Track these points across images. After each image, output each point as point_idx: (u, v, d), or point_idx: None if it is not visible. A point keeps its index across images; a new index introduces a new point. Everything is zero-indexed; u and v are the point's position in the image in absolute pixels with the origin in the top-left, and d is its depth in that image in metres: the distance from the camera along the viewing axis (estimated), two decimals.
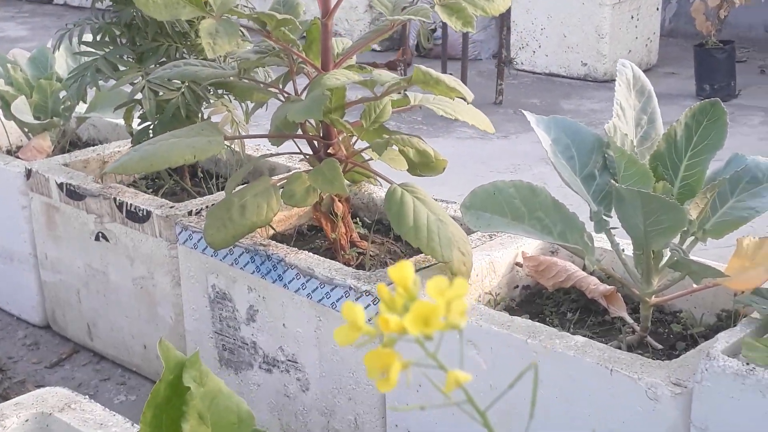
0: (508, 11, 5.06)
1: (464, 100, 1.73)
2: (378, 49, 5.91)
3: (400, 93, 2.02)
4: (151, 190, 2.43)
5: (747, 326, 1.47)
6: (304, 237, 2.20)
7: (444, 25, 4.92)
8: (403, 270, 0.66)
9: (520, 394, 1.58)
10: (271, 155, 2.12)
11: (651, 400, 1.43)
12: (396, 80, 1.72)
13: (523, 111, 1.71)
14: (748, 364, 1.35)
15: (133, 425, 1.33)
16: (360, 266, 1.97)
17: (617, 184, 1.52)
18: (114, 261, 2.23)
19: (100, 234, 2.23)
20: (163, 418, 1.12)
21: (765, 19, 5.85)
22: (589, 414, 1.51)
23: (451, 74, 1.89)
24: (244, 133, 2.21)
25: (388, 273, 0.67)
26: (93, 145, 2.70)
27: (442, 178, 2.36)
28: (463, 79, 4.57)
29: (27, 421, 1.34)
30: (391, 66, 5.36)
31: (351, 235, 2.04)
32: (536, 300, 1.94)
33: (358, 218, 2.21)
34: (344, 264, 1.96)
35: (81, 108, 2.69)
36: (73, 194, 2.26)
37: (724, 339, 1.43)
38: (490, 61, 5.63)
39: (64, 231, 2.32)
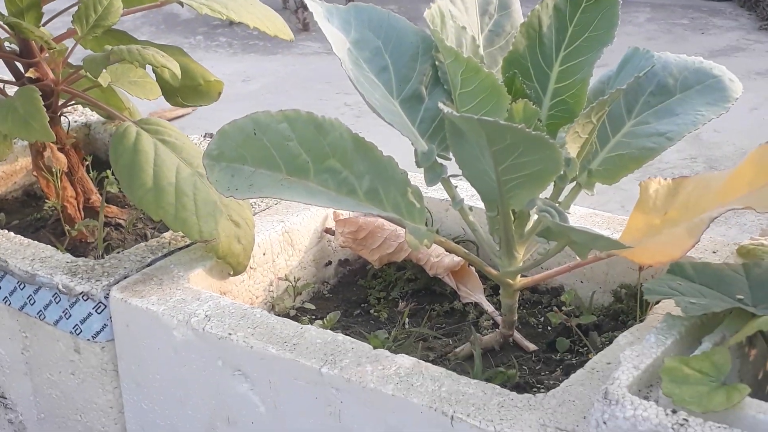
0: None
1: None
2: None
3: None
4: None
5: (665, 332, 0.90)
6: (37, 200, 1.54)
7: None
8: None
9: None
10: None
11: None
12: None
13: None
14: (674, 412, 0.78)
15: None
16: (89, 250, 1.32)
17: (448, 110, 0.91)
18: None
19: None
20: None
21: None
22: None
23: None
24: None
25: None
26: None
27: (279, 104, 1.75)
28: None
29: None
30: None
31: (89, 199, 1.39)
32: (359, 280, 1.34)
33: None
34: (72, 244, 1.33)
35: None
36: None
37: (630, 362, 0.85)
38: None
39: None
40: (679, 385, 0.80)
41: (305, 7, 3.92)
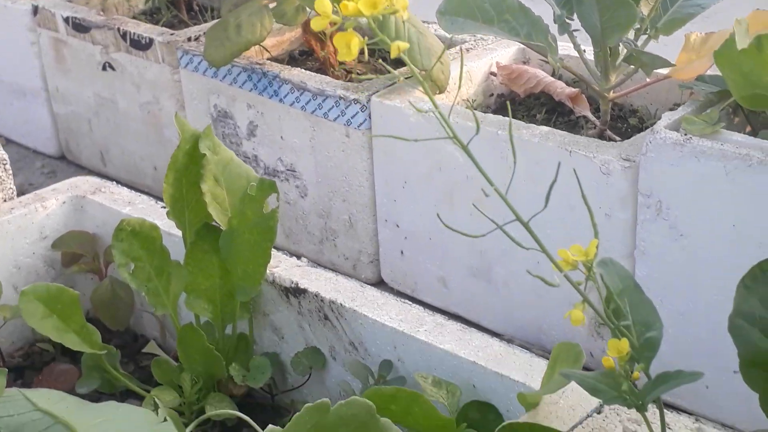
0: None
1: None
2: None
3: None
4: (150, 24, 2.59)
5: (689, 106, 1.66)
6: (296, 60, 2.37)
7: None
8: None
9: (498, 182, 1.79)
10: None
11: (604, 174, 1.65)
12: None
13: None
14: (686, 134, 1.55)
15: (156, 202, 1.55)
16: (349, 81, 2.15)
17: None
18: (121, 89, 2.40)
19: (107, 63, 2.40)
20: (183, 180, 1.33)
21: None
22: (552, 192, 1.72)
23: None
24: None
25: None
26: None
27: None
28: None
29: (64, 203, 1.55)
30: None
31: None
32: (509, 105, 2.13)
33: None
34: (334, 78, 2.15)
35: None
36: (79, 27, 2.42)
37: (667, 117, 1.63)
38: None
39: (73, 63, 2.49)
40: (690, 124, 1.57)
41: None
